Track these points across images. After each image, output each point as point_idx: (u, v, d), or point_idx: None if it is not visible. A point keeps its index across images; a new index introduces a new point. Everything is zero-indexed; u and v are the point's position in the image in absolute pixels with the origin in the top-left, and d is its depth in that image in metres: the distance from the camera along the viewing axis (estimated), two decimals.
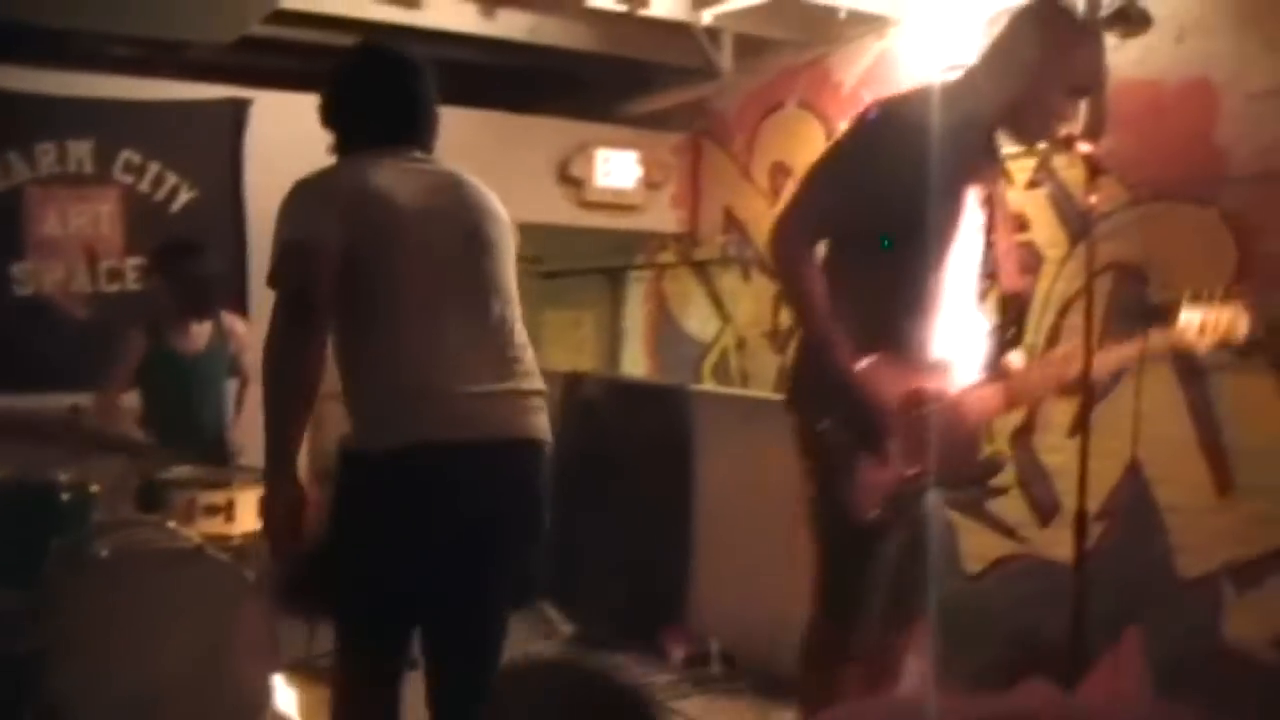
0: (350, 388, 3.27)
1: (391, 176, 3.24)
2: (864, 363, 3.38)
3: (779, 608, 5.19)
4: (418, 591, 3.20)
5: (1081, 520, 3.36)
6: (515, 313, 3.39)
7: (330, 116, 3.47)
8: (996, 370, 3.62)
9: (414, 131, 3.43)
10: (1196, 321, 3.58)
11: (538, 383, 3.38)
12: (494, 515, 3.22)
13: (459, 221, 3.31)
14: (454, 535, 3.14)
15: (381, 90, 3.44)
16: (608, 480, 6.54)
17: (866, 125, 3.52)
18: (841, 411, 3.39)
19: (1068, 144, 3.50)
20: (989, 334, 3.62)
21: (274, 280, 3.14)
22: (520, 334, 3.40)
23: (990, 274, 3.64)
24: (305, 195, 3.18)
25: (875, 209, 3.40)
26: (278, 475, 3.15)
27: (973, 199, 3.50)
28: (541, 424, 3.33)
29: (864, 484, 3.41)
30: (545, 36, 6.63)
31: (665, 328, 8.37)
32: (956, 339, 3.54)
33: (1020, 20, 3.50)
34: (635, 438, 6.49)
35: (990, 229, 3.59)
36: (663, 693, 5.37)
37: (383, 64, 3.49)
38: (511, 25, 6.59)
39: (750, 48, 7.11)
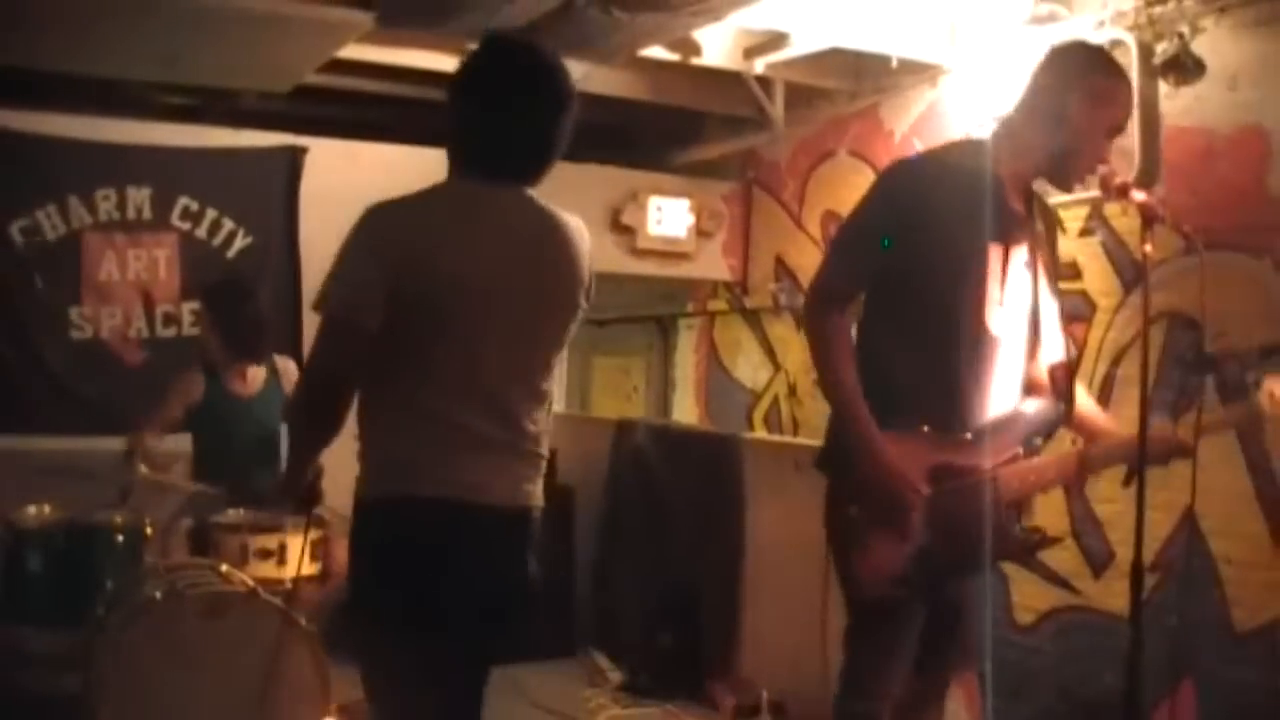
0: (370, 430, 3.11)
1: (466, 233, 3.01)
2: (891, 435, 3.33)
3: (829, 657, 5.16)
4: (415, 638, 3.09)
5: (1138, 572, 3.32)
6: (551, 383, 3.23)
7: (451, 120, 3.13)
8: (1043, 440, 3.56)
9: (533, 174, 3.14)
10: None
11: (544, 448, 3.21)
12: (482, 581, 3.09)
13: (529, 287, 3.07)
14: (441, 592, 3.03)
15: (516, 114, 3.06)
16: (657, 528, 6.53)
17: (882, 182, 3.51)
18: (863, 485, 3.35)
19: (1122, 192, 3.47)
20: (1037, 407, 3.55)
21: (320, 307, 3.00)
22: (548, 403, 3.21)
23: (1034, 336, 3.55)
24: (362, 253, 2.96)
25: (899, 267, 3.37)
26: (291, 488, 3.33)
27: (1014, 257, 3.44)
28: (537, 492, 3.20)
29: (876, 561, 3.37)
30: (597, 86, 6.67)
31: (716, 376, 8.37)
32: (1001, 405, 3.47)
33: (1052, 64, 3.48)
34: (685, 486, 6.47)
35: (1033, 290, 3.52)
36: None
37: (521, 84, 3.07)
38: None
39: (801, 97, 7.13)
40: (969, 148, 3.50)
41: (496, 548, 3.11)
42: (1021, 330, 3.49)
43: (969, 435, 3.41)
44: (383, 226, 2.99)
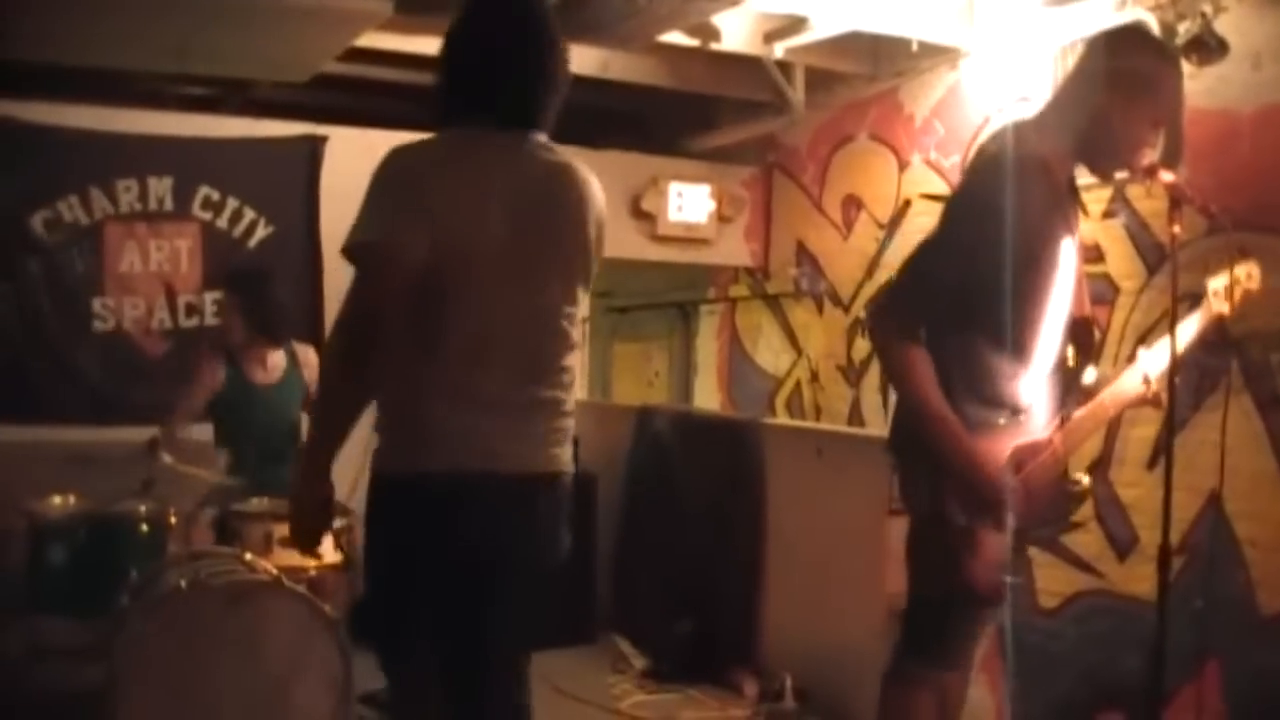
0: (390, 401, 3.02)
1: (492, 175, 2.98)
2: (980, 440, 3.31)
3: (852, 642, 5.16)
4: (432, 622, 3.07)
5: (1165, 555, 3.29)
6: (575, 334, 3.15)
7: (444, 72, 3.12)
8: (1074, 402, 3.55)
9: (532, 114, 3.10)
10: (1223, 287, 3.54)
11: (568, 411, 3.14)
12: (507, 551, 3.04)
13: (545, 239, 3.04)
14: (464, 567, 2.99)
15: (503, 60, 3.06)
16: (679, 514, 6.53)
17: (968, 197, 3.46)
18: (962, 493, 3.31)
19: (1150, 174, 3.42)
20: (1063, 367, 3.54)
21: (348, 258, 2.92)
22: (569, 359, 3.14)
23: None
24: (399, 185, 2.91)
25: (986, 273, 3.29)
26: (312, 473, 3.00)
27: (1067, 241, 3.40)
28: (565, 456, 3.14)
29: (989, 560, 3.35)
30: (617, 72, 6.66)
31: (737, 361, 8.36)
32: (1043, 380, 3.46)
33: (1101, 48, 3.41)
34: (707, 471, 6.46)
35: (1079, 266, 3.50)
36: None
37: (509, 27, 3.09)
38: (583, 61, 6.62)
39: (821, 81, 7.11)
40: (1026, 137, 3.42)
41: (520, 517, 3.03)
42: (1067, 304, 3.48)
43: (1029, 409, 3.41)
44: (411, 165, 2.95)
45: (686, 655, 6.11)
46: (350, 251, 2.91)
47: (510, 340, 3.00)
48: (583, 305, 3.20)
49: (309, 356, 5.72)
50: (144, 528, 4.98)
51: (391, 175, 2.94)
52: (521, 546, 3.06)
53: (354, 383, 2.95)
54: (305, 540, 3.13)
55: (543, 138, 3.13)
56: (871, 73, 6.84)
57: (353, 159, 7.11)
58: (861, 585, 5.18)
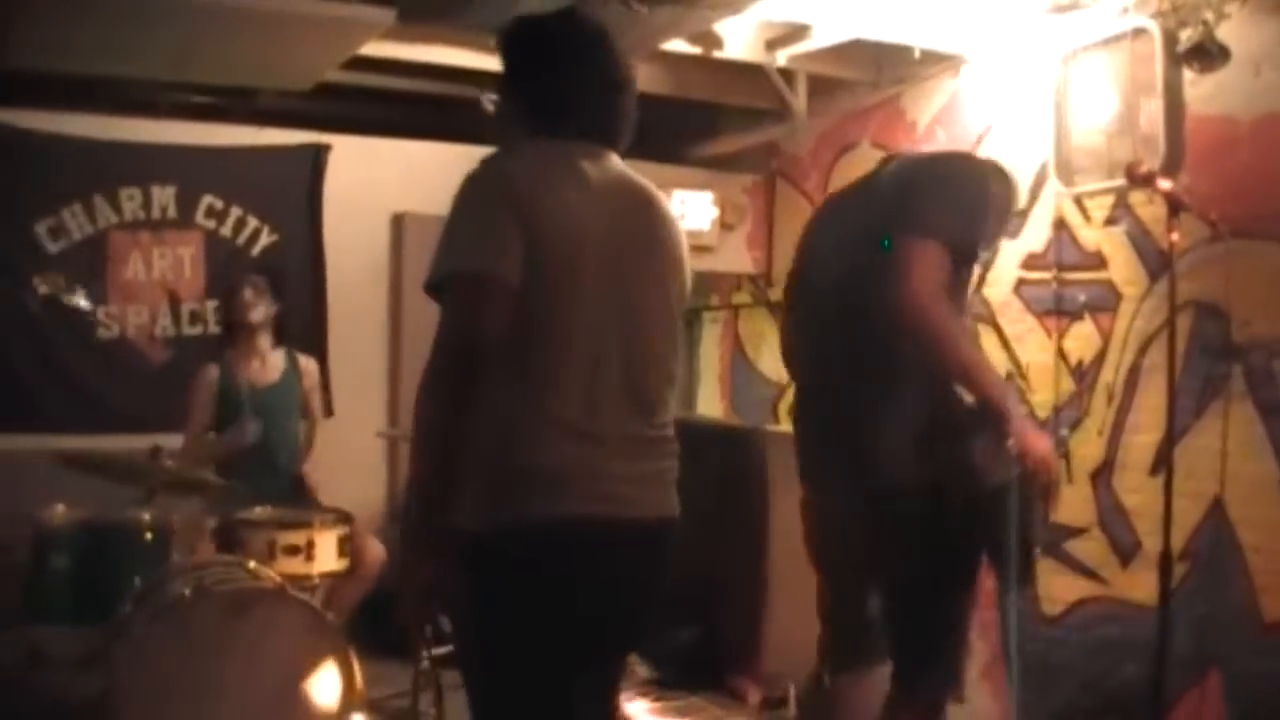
0: (488, 441, 2.67)
1: (582, 192, 2.77)
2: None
3: None
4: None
5: (1166, 561, 3.29)
6: (678, 364, 3.01)
7: (517, 88, 2.98)
8: None
9: (617, 131, 2.98)
10: None
11: (676, 451, 2.99)
12: (632, 594, 2.86)
13: (645, 260, 2.88)
14: (595, 616, 2.76)
15: (592, 70, 2.93)
16: (681, 521, 6.51)
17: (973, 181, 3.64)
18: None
19: (1147, 181, 3.43)
20: None
21: (439, 291, 2.68)
22: (671, 395, 2.96)
23: None
24: (493, 204, 2.67)
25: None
26: (425, 538, 2.61)
27: None
28: (674, 500, 2.99)
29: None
30: None
31: (740, 368, 8.34)
32: None
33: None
34: (709, 479, 6.46)
35: None
36: None
37: (592, 38, 2.97)
38: None
39: (823, 88, 7.10)
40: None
41: (645, 565, 2.87)
42: None
43: None
44: (504, 177, 2.72)
45: (687, 663, 6.11)
46: (442, 284, 2.67)
47: (619, 372, 2.77)
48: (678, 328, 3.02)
49: (310, 366, 5.73)
50: (147, 535, 4.98)
51: (481, 192, 2.72)
52: (643, 595, 2.92)
53: (463, 423, 2.60)
54: (413, 616, 2.74)
55: (618, 159, 2.98)
56: (874, 80, 6.83)
57: (355, 167, 7.18)
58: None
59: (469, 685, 2.81)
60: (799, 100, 7.02)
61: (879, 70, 6.75)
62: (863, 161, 7.09)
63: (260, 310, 5.57)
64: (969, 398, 3.43)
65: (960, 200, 3.54)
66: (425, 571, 2.59)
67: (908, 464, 3.46)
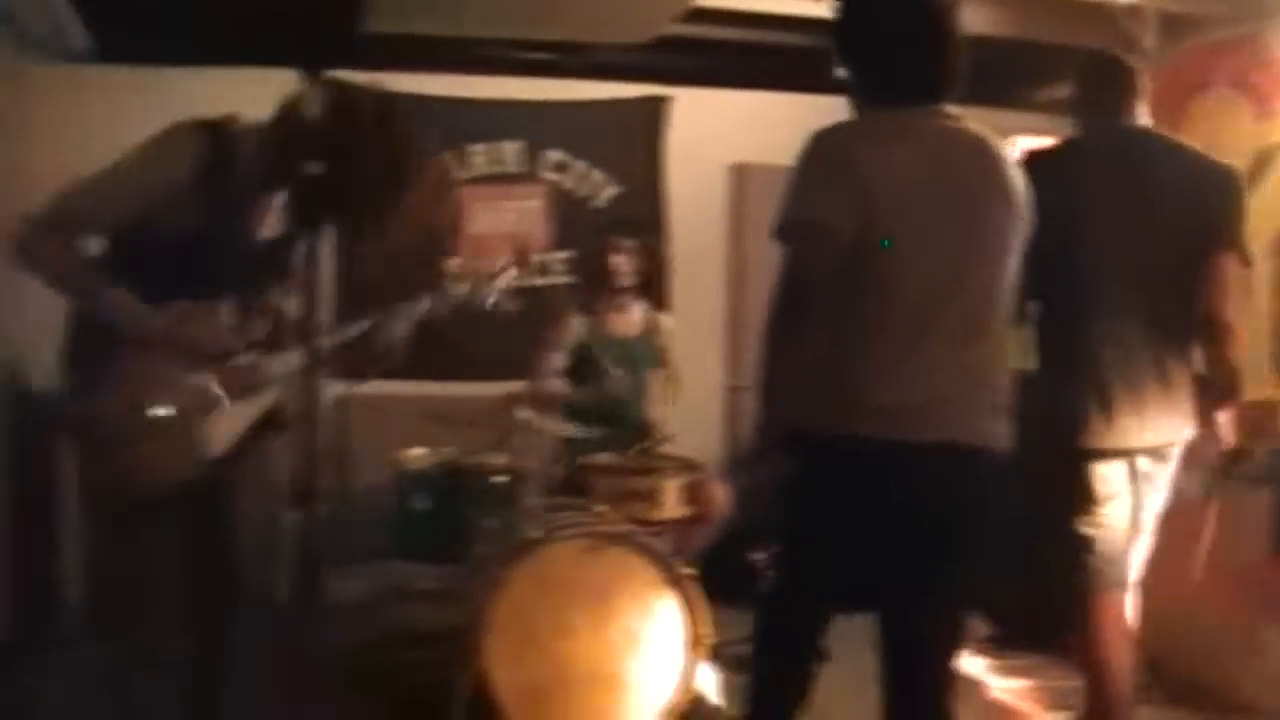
0: (824, 368, 3.03)
1: (910, 150, 3.03)
2: None
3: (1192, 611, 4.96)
4: (860, 583, 3.15)
5: None
6: (1005, 308, 3.16)
7: (844, 56, 3.20)
8: None
9: (939, 87, 3.14)
10: None
11: (998, 385, 3.15)
12: (939, 517, 3.06)
13: (975, 208, 3.08)
14: (901, 531, 3.03)
15: (909, 32, 3.13)
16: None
17: None
18: None
19: None
20: None
21: (780, 237, 3.02)
22: (1000, 330, 3.15)
23: None
24: (826, 164, 3.00)
25: None
26: (763, 442, 3.11)
27: None
28: (990, 430, 3.11)
29: None
30: (995, 28, 6.50)
31: None
32: None
33: None
34: None
35: None
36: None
37: (910, 5, 3.16)
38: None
39: (1173, 26, 6.78)
40: None
41: (941, 486, 3.04)
42: None
43: None
44: (836, 142, 3.02)
45: (1027, 622, 5.95)
46: (782, 230, 3.00)
47: (939, 311, 3.02)
48: (1013, 275, 3.17)
49: (666, 321, 5.77)
50: (501, 479, 5.15)
51: (816, 154, 3.01)
52: (939, 514, 3.06)
53: (798, 355, 3.00)
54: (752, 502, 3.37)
55: (952, 109, 3.14)
56: (1232, 15, 6.48)
57: (695, 119, 7.22)
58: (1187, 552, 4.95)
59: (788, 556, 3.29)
60: (1148, 39, 6.72)
61: (1237, 4, 6.39)
62: (1217, 104, 6.74)
63: (628, 276, 5.65)
64: None
65: None
66: (761, 469, 3.15)
67: None
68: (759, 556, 3.69)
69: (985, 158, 3.12)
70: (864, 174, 2.94)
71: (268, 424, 3.55)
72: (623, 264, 5.63)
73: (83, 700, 3.81)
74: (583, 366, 5.62)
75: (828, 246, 2.95)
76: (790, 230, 2.99)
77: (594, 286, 5.73)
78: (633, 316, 5.71)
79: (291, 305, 3.57)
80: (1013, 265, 3.15)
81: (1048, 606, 5.91)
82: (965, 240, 3.06)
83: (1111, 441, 3.83)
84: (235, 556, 3.57)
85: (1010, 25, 6.78)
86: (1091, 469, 3.85)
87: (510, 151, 7.08)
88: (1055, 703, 4.99)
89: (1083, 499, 3.88)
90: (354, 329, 3.43)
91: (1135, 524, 3.95)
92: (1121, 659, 3.97)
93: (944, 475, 3.03)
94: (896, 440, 2.97)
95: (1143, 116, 4.30)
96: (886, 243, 2.97)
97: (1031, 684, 5.27)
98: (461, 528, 5.07)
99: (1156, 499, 3.98)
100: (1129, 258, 3.88)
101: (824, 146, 3.01)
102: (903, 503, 3.01)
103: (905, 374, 2.98)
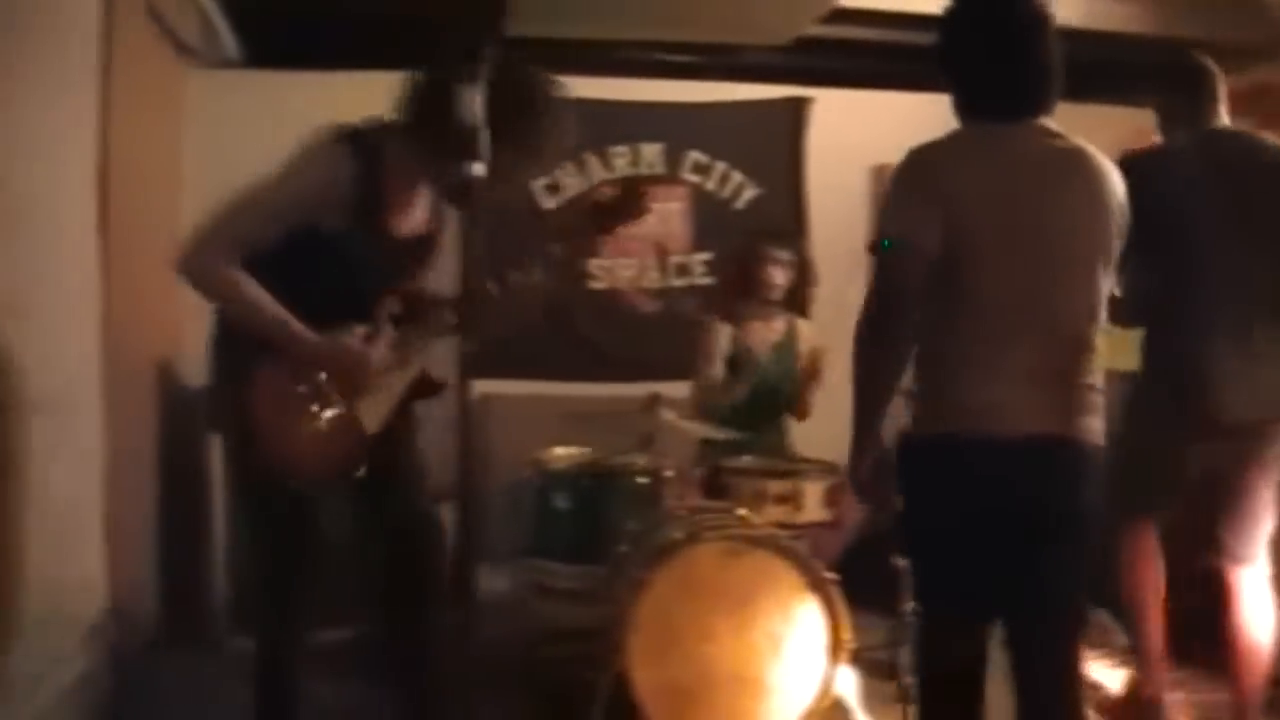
0: (923, 374, 3.28)
1: (1003, 164, 3.15)
2: None
3: None
4: (978, 582, 3.19)
5: None
6: (1096, 313, 3.24)
7: (944, 72, 3.31)
8: None
9: (1036, 103, 3.22)
10: None
11: (1090, 382, 3.24)
12: (1037, 508, 3.18)
13: (1062, 220, 3.16)
14: (981, 523, 3.14)
15: (994, 50, 3.23)
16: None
17: None
18: None
19: None
20: None
21: (872, 252, 3.20)
22: (1089, 333, 3.24)
23: None
24: (913, 183, 3.17)
25: None
26: (862, 441, 3.27)
27: None
28: (1082, 423, 3.21)
29: None
30: (1098, 21, 6.39)
31: None
32: None
33: None
34: None
35: None
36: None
37: (1004, 21, 3.24)
38: (1064, 12, 6.35)
39: None
40: None
41: (1032, 475, 3.16)
42: None
43: None
44: (925, 161, 3.17)
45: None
46: (873, 245, 3.18)
47: (1028, 317, 3.15)
48: (1107, 283, 3.26)
49: (805, 330, 5.74)
50: (641, 481, 5.18)
51: (907, 172, 3.19)
52: (1037, 506, 3.18)
53: (887, 363, 3.20)
54: (867, 496, 3.39)
55: (1050, 124, 3.24)
56: None
57: (836, 120, 7.20)
58: None
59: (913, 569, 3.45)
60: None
61: None
62: None
63: (780, 289, 5.65)
64: None
65: None
66: (866, 457, 3.26)
67: None
68: (900, 562, 3.69)
69: (1077, 171, 3.21)
70: (948, 192, 3.09)
71: (420, 391, 3.71)
72: (776, 275, 5.63)
73: (232, 696, 3.89)
74: (728, 372, 5.63)
75: (913, 262, 3.10)
76: (880, 246, 3.16)
77: (740, 294, 5.71)
78: (775, 324, 5.71)
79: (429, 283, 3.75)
80: (1106, 272, 3.24)
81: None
82: (1053, 250, 3.16)
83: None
84: (422, 540, 3.72)
85: (1149, 23, 6.69)
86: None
87: (651, 153, 7.12)
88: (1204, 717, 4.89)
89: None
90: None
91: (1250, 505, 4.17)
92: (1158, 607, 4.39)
93: (1037, 465, 3.15)
94: (988, 434, 3.12)
95: (1223, 118, 4.38)
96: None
97: (1181, 697, 5.17)
98: (602, 528, 5.10)
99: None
100: (1231, 257, 4.01)
101: (914, 165, 3.17)
102: (998, 495, 3.13)
103: (996, 376, 3.12)
